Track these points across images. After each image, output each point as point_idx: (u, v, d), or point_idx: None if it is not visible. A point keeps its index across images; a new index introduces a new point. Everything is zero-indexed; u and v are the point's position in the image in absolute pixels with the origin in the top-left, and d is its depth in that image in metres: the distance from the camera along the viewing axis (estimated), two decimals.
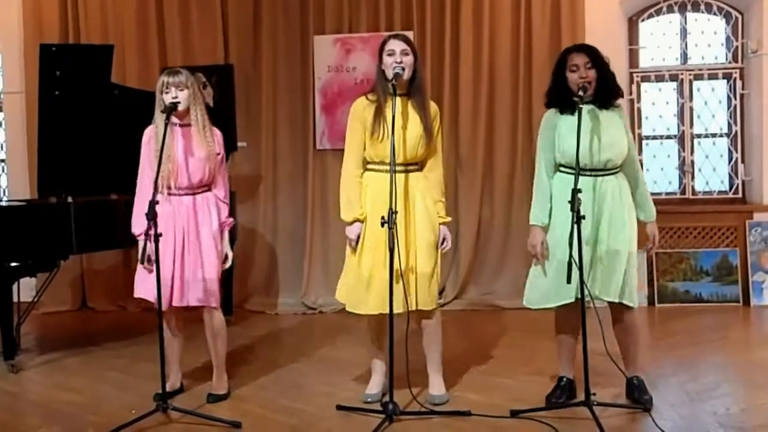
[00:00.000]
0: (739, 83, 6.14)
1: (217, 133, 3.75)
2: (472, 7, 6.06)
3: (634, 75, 6.21)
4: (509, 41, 6.05)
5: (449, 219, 3.66)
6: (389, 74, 3.44)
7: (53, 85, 4.58)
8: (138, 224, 3.54)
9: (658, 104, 6.30)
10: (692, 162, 6.23)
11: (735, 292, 5.89)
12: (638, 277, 3.64)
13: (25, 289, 4.91)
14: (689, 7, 6.22)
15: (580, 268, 3.18)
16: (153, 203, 3.30)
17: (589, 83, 3.38)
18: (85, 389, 4.02)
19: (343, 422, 3.42)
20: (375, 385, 3.69)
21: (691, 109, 6.22)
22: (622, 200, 3.42)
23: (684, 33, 6.26)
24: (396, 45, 3.46)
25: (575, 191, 3.14)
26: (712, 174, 6.26)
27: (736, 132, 6.18)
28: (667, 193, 6.25)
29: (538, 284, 3.50)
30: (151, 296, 3.52)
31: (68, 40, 6.38)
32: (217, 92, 5.84)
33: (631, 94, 6.11)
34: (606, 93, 3.45)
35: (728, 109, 6.23)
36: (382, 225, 3.25)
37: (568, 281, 3.17)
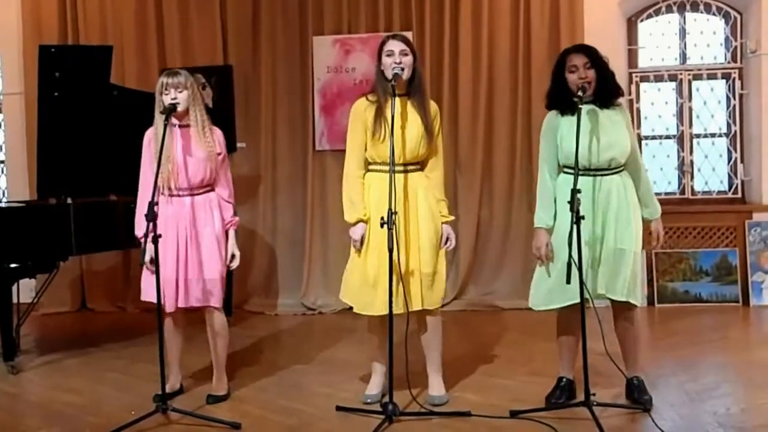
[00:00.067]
0: (738, 83, 6.14)
1: (218, 132, 3.75)
2: (471, 8, 6.06)
3: (633, 75, 6.21)
4: (508, 42, 6.05)
5: (452, 218, 3.66)
6: (388, 75, 3.44)
7: (52, 86, 4.58)
8: (140, 226, 3.54)
9: (657, 104, 6.30)
10: (691, 162, 6.23)
11: (734, 292, 5.89)
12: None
13: (25, 290, 4.91)
14: (688, 7, 6.22)
15: (580, 269, 3.18)
16: (152, 204, 3.30)
17: (589, 83, 3.38)
18: (85, 390, 4.01)
19: (342, 423, 3.41)
20: (375, 386, 3.68)
21: (690, 109, 6.22)
22: (627, 199, 3.43)
23: (683, 33, 6.26)
24: (395, 45, 3.46)
25: (574, 191, 3.14)
26: (711, 174, 6.26)
27: (735, 132, 6.18)
28: (666, 193, 6.25)
29: (543, 286, 3.50)
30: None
31: (67, 41, 6.38)
32: (217, 93, 5.85)
33: (630, 94, 6.11)
34: (606, 92, 3.45)
35: (727, 109, 6.23)
36: (382, 226, 3.26)
37: (568, 281, 3.17)
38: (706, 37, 6.26)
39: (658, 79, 6.26)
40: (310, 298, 6.19)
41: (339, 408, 3.54)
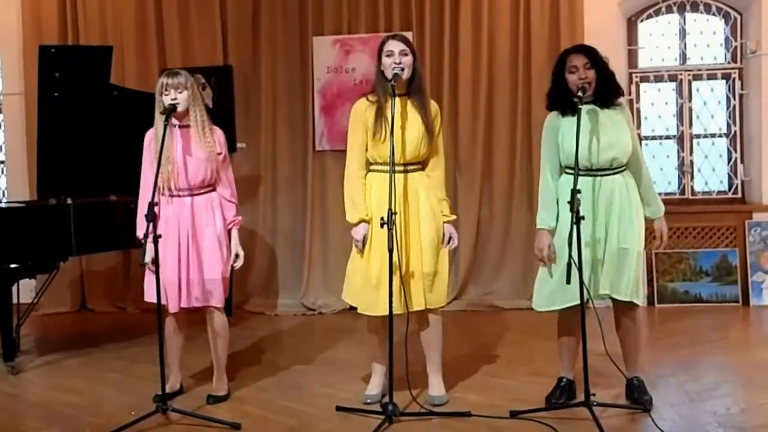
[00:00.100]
0: (738, 83, 6.14)
1: (218, 132, 3.74)
2: (471, 8, 6.06)
3: (633, 75, 6.21)
4: (508, 42, 6.05)
5: (454, 217, 3.66)
6: (388, 75, 3.44)
7: (52, 86, 4.58)
8: (141, 226, 3.53)
9: (657, 104, 6.30)
10: (691, 162, 6.23)
11: (734, 292, 5.89)
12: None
13: (25, 290, 4.91)
14: (688, 7, 6.22)
15: (580, 269, 3.18)
16: (152, 204, 3.30)
17: (589, 84, 3.38)
18: (85, 390, 4.01)
19: (342, 423, 3.42)
20: (375, 386, 3.68)
21: (690, 110, 6.22)
22: (629, 198, 3.43)
23: (683, 33, 6.26)
24: (395, 45, 3.46)
25: (574, 191, 3.14)
26: (711, 174, 6.26)
27: (735, 132, 6.18)
28: (666, 194, 6.23)
29: (546, 287, 3.49)
30: (162, 300, 3.51)
31: (67, 41, 6.38)
32: (217, 93, 5.85)
33: (630, 94, 6.11)
34: (606, 92, 3.45)
35: (727, 109, 6.23)
36: (382, 226, 3.26)
37: (568, 282, 3.17)
38: (706, 37, 6.26)
39: (658, 79, 6.26)
40: (310, 299, 6.19)
41: (339, 408, 3.54)
